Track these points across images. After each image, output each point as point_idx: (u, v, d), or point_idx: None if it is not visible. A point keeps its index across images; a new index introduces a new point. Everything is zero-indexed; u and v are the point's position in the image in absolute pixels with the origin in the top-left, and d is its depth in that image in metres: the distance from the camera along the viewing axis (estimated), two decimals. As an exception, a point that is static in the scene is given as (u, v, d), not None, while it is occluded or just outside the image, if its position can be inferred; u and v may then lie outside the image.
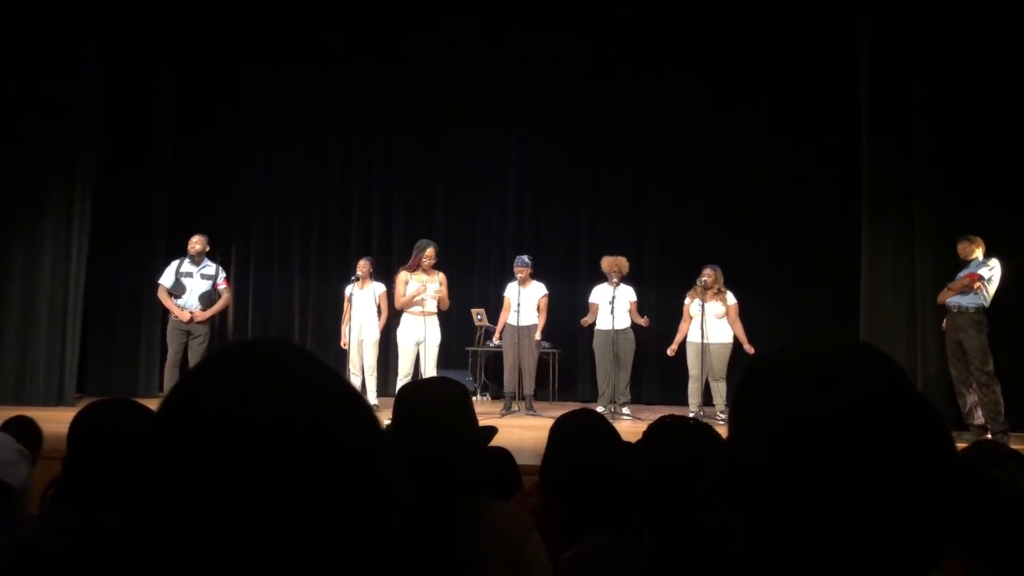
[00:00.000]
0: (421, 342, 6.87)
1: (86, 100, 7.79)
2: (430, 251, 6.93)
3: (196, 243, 7.29)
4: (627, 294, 7.40)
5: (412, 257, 7.04)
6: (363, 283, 7.38)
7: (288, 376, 0.61)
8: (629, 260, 7.52)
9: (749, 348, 7.05)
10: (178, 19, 8.41)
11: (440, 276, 7.05)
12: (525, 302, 7.49)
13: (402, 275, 7.00)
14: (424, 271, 6.96)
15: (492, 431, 1.74)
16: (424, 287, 6.91)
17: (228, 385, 0.59)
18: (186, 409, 0.59)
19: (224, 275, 7.47)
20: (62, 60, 7.60)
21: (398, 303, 7.01)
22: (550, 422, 7.43)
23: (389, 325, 7.43)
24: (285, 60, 9.11)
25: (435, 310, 7.00)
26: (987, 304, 5.94)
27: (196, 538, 0.54)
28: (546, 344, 7.91)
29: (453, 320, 8.74)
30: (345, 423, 0.60)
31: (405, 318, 6.98)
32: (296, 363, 0.62)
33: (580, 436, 2.17)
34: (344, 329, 7.44)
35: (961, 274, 6.08)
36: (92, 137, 7.88)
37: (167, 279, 7.22)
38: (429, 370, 6.81)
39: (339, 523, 0.57)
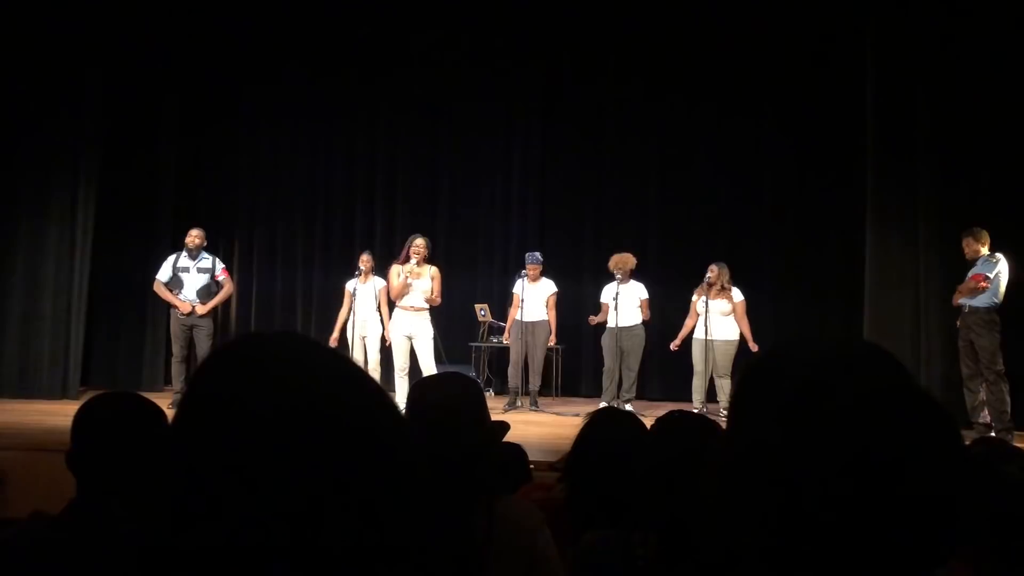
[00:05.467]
0: (411, 337, 6.84)
1: (91, 94, 7.80)
2: (419, 241, 6.84)
3: (194, 237, 7.23)
4: (636, 291, 7.39)
5: (403, 250, 7.01)
6: (365, 278, 7.39)
7: (314, 367, 0.61)
8: (634, 256, 7.52)
9: (754, 346, 7.04)
10: (183, 15, 8.41)
11: (432, 270, 6.90)
12: (532, 298, 7.50)
13: (394, 268, 6.94)
14: (416, 263, 6.84)
15: (505, 427, 1.74)
16: (410, 272, 6.77)
17: (253, 376, 0.59)
18: (209, 401, 0.59)
19: (223, 266, 7.43)
20: (68, 56, 7.61)
21: (392, 294, 6.98)
22: (554, 418, 7.38)
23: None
24: (289, 55, 9.11)
25: (424, 306, 6.85)
26: (999, 300, 5.93)
27: (216, 530, 0.54)
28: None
29: (456, 315, 8.74)
30: (370, 416, 0.60)
31: (396, 312, 6.93)
32: (321, 356, 0.62)
33: (613, 434, 2.15)
34: (338, 325, 7.39)
35: (968, 275, 6.08)
36: (97, 130, 7.90)
37: (164, 274, 7.19)
38: (426, 365, 6.74)
39: (365, 514, 0.56)
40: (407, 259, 6.83)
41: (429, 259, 6.96)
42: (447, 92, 9.21)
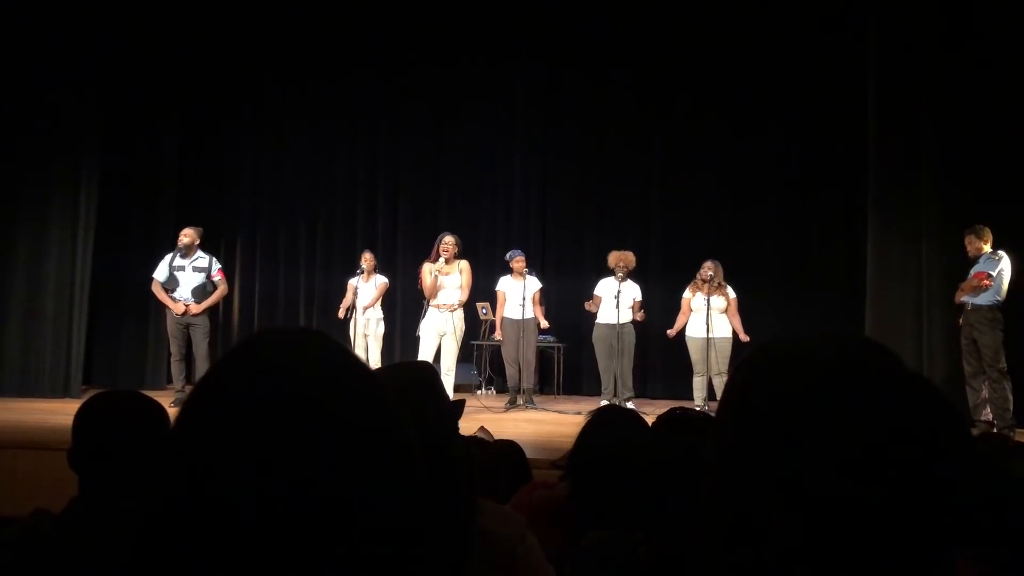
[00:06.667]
0: (443, 334, 6.83)
1: (93, 94, 7.80)
2: (447, 239, 6.83)
3: (186, 236, 7.18)
4: (632, 291, 7.39)
5: (433, 249, 6.98)
6: (367, 276, 7.40)
7: (323, 365, 0.61)
8: (635, 255, 7.52)
9: (745, 337, 7.05)
10: (185, 14, 8.42)
11: (462, 264, 6.91)
12: (524, 296, 7.51)
13: (425, 267, 6.90)
14: (446, 261, 6.85)
15: (461, 405, 1.68)
16: (439, 270, 6.75)
17: (265, 369, 0.59)
18: (214, 399, 0.59)
19: (219, 266, 7.38)
20: (70, 55, 7.61)
21: (426, 293, 6.94)
22: (552, 415, 7.38)
23: (409, 316, 7.40)
24: (291, 55, 9.12)
25: (455, 303, 6.88)
26: (1002, 298, 5.92)
27: (218, 529, 0.54)
28: (551, 338, 7.89)
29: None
30: (378, 413, 0.61)
31: (429, 311, 6.90)
32: (330, 354, 0.62)
33: (616, 431, 2.14)
34: (342, 312, 7.57)
35: (970, 273, 6.07)
36: (99, 129, 7.91)
37: (161, 273, 7.16)
38: (447, 361, 6.75)
39: (373, 512, 0.56)
40: (437, 257, 6.81)
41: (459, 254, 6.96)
42: (449, 93, 9.22)
